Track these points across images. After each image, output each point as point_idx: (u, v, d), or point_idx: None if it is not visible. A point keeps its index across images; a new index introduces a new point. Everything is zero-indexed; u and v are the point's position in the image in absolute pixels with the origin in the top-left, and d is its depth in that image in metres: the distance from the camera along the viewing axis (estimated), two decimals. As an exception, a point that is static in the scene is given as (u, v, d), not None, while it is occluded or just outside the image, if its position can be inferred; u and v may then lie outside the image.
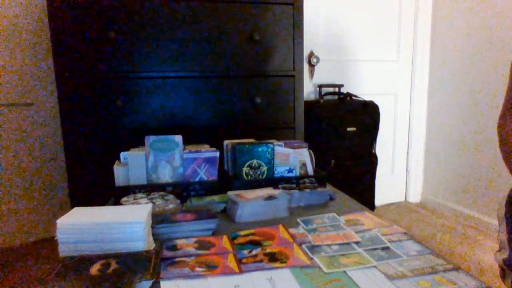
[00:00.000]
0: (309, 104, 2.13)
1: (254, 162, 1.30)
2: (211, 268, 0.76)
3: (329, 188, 1.33)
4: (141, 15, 1.61)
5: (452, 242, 2.04)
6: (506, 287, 0.92)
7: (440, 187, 2.54)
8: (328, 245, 0.86)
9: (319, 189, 1.25)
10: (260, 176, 1.31)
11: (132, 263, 0.73)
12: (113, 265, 0.72)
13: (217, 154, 1.30)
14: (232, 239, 0.91)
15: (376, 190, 2.40)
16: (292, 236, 0.92)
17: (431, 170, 2.63)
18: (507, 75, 0.96)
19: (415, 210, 2.56)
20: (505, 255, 0.92)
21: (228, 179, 1.32)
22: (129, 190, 1.21)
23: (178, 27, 1.65)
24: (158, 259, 0.77)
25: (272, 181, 1.29)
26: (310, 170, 1.39)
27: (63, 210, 2.10)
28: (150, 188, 1.22)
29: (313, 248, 0.85)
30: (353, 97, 2.29)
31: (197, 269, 0.75)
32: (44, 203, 2.13)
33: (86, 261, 0.74)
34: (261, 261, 0.79)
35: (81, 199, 1.64)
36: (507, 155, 0.93)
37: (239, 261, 0.79)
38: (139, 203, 1.05)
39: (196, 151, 1.29)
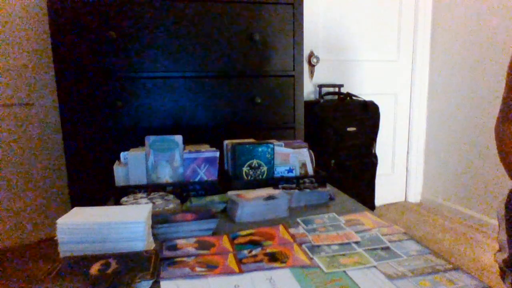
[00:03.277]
0: (309, 104, 2.13)
1: (254, 162, 1.30)
2: (211, 268, 0.76)
3: (329, 188, 1.33)
4: (141, 15, 1.61)
5: (452, 242, 2.04)
6: (506, 287, 0.92)
7: (440, 187, 2.54)
8: (328, 245, 0.86)
9: (319, 189, 1.25)
10: (260, 176, 1.31)
11: (132, 263, 0.73)
12: (113, 265, 0.72)
13: (217, 154, 1.30)
14: (232, 239, 0.91)
15: (376, 190, 2.40)
16: (292, 236, 0.92)
17: (431, 170, 2.63)
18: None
19: (415, 210, 2.56)
20: (505, 255, 0.92)
21: (228, 179, 1.32)
22: (129, 190, 1.21)
23: (178, 27, 1.65)
24: (158, 259, 0.77)
25: (272, 181, 1.29)
26: (310, 170, 1.39)
27: (63, 210, 2.10)
28: (150, 188, 1.22)
29: (313, 248, 0.85)
30: (353, 97, 2.29)
31: (197, 269, 0.75)
32: (44, 203, 2.13)
33: (86, 261, 0.74)
34: (261, 261, 0.79)
35: (81, 199, 1.64)
36: (505, 159, 0.93)
37: (239, 261, 0.79)
38: (139, 203, 1.05)
39: (196, 151, 1.29)
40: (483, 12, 2.12)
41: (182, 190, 1.25)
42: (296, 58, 1.80)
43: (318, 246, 0.86)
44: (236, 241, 0.90)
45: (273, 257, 0.80)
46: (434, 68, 2.53)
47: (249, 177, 1.30)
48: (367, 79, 2.51)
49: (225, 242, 0.89)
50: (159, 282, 0.71)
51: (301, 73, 1.82)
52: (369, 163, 2.29)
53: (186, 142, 1.41)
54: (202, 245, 0.88)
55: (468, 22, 2.23)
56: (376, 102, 2.31)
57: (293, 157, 1.36)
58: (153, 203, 1.05)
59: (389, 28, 2.52)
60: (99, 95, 1.62)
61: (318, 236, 0.92)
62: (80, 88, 1.60)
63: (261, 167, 1.31)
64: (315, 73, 2.38)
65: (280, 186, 1.28)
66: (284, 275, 0.74)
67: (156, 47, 1.65)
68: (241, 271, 0.75)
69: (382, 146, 2.57)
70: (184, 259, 0.80)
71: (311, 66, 2.35)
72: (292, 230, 0.96)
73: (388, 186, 2.69)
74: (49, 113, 2.08)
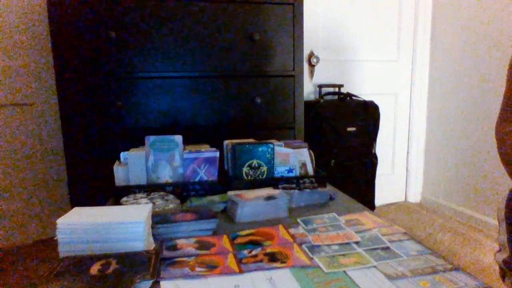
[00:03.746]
0: (309, 104, 2.13)
1: (254, 162, 1.30)
2: (211, 268, 0.76)
3: (329, 188, 1.33)
4: (141, 15, 1.61)
5: (452, 242, 2.04)
6: (506, 287, 0.92)
7: (440, 187, 2.54)
8: (328, 245, 0.86)
9: (319, 189, 1.25)
10: (260, 176, 1.31)
11: (132, 263, 0.73)
12: (113, 265, 0.72)
13: (217, 154, 1.30)
14: (232, 239, 0.91)
15: (376, 190, 2.40)
16: (292, 236, 0.92)
17: (431, 170, 2.63)
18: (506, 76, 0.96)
19: (415, 210, 2.56)
20: (505, 255, 0.92)
21: (228, 179, 1.32)
22: (129, 190, 1.21)
23: (178, 27, 1.65)
24: (158, 259, 0.77)
25: (272, 181, 1.29)
26: (310, 170, 1.39)
27: (63, 210, 2.10)
28: (150, 188, 1.22)
29: (313, 248, 0.85)
30: (353, 97, 2.29)
31: (197, 269, 0.75)
32: (44, 203, 2.13)
33: (86, 261, 0.74)
34: (261, 261, 0.79)
35: (81, 199, 1.64)
36: (505, 158, 0.93)
37: (239, 261, 0.79)
38: (139, 203, 1.05)
39: (196, 151, 1.29)
40: (483, 12, 2.12)
41: (182, 190, 1.25)
42: (296, 58, 1.80)
43: (318, 246, 0.86)
44: (236, 241, 0.90)
45: (273, 257, 0.80)
46: (434, 68, 2.53)
47: (249, 177, 1.30)
48: (367, 79, 2.51)
49: (225, 242, 0.89)
50: (159, 282, 0.71)
51: (301, 73, 1.82)
52: (369, 163, 2.29)
53: (186, 142, 1.41)
54: (202, 245, 0.88)
55: (468, 22, 2.23)
56: (376, 102, 2.31)
57: (293, 157, 1.36)
58: (153, 203, 1.05)
59: (389, 28, 2.52)
60: (99, 95, 1.62)
61: (318, 236, 0.92)
62: (80, 88, 1.60)
63: (261, 167, 1.31)
64: (315, 73, 2.38)
65: (280, 186, 1.28)
66: (284, 275, 0.74)
67: (156, 47, 1.65)
68: (241, 271, 0.75)
69: (382, 146, 2.57)
70: (184, 259, 0.80)
71: (311, 66, 2.35)
72: (292, 230, 0.96)
73: (388, 186, 2.69)
74: (49, 113, 2.08)
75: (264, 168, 1.32)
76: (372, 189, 2.35)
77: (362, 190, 2.29)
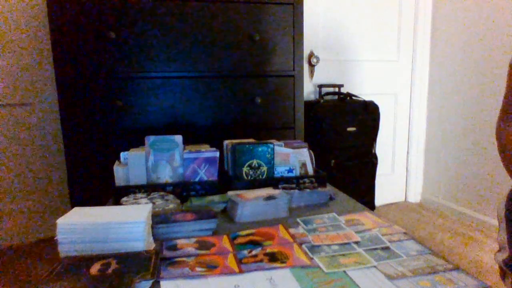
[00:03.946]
0: (309, 104, 2.13)
1: (254, 162, 1.30)
2: (211, 268, 0.76)
3: (329, 188, 1.33)
4: (141, 15, 1.61)
5: (452, 242, 2.04)
6: (506, 287, 0.92)
7: (440, 187, 2.54)
8: (328, 245, 0.86)
9: (319, 189, 1.25)
10: (260, 176, 1.31)
11: (132, 263, 0.73)
12: (113, 265, 0.72)
13: (217, 154, 1.30)
14: (232, 239, 0.91)
15: (376, 190, 2.40)
16: (292, 236, 0.92)
17: (431, 170, 2.63)
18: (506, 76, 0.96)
19: (415, 210, 2.56)
20: (505, 255, 0.92)
21: (228, 179, 1.32)
22: (129, 190, 1.21)
23: (178, 27, 1.65)
24: (158, 259, 0.77)
25: (272, 181, 1.29)
26: (310, 170, 1.39)
27: (63, 210, 2.10)
28: (150, 188, 1.22)
29: (313, 248, 0.85)
30: (353, 97, 2.29)
31: (197, 269, 0.75)
32: (44, 203, 2.13)
33: (86, 261, 0.74)
34: (261, 261, 0.79)
35: (81, 199, 1.64)
36: (506, 159, 0.93)
37: (239, 261, 0.79)
38: (139, 203, 1.05)
39: (196, 151, 1.29)
40: (483, 12, 2.12)
41: (182, 190, 1.25)
42: (296, 58, 1.80)
43: (318, 246, 0.86)
44: (236, 241, 0.90)
45: (273, 257, 0.80)
46: (434, 68, 2.53)
47: (249, 177, 1.30)
48: (367, 79, 2.51)
49: (225, 242, 0.89)
50: (159, 282, 0.71)
51: (301, 73, 1.82)
52: (369, 163, 2.29)
53: (186, 142, 1.41)
54: (202, 245, 0.88)
55: (468, 22, 2.23)
56: (376, 102, 2.31)
57: (293, 157, 1.36)
58: (153, 203, 1.05)
59: (389, 28, 2.52)
60: (99, 95, 1.62)
61: (318, 236, 0.92)
62: (80, 88, 1.60)
63: (261, 167, 1.31)
64: (315, 73, 2.38)
65: (280, 186, 1.28)
66: (284, 275, 0.74)
67: (156, 47, 1.65)
68: (241, 271, 0.75)
69: (382, 146, 2.57)
70: (184, 259, 0.80)
71: (311, 66, 2.35)
72: (292, 230, 0.96)
73: (388, 186, 2.69)
74: (49, 113, 2.08)
75: (264, 168, 1.32)
76: (372, 189, 2.35)
77: (362, 190, 2.29)
